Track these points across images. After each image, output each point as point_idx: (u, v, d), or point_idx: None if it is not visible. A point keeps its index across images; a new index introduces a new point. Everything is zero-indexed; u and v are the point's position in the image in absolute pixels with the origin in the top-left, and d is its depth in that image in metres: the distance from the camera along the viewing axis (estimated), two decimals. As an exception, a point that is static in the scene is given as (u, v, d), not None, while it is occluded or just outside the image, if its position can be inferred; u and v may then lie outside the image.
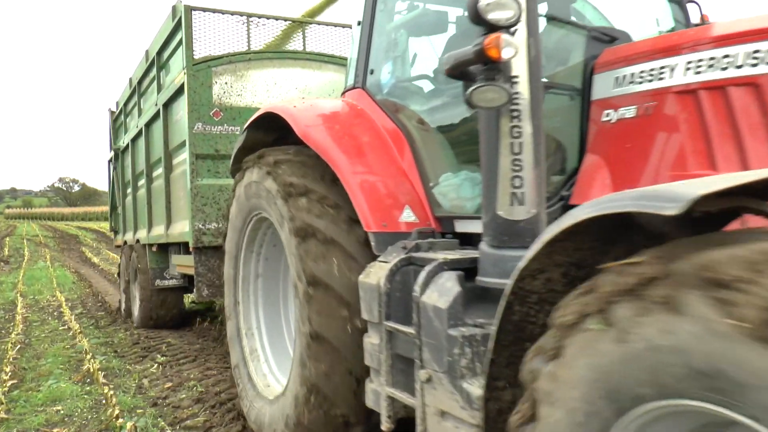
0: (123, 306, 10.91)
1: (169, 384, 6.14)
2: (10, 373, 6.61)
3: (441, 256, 3.01)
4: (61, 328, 9.68)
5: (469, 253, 3.06)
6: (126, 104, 10.73)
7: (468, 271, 2.87)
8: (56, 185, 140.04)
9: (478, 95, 2.54)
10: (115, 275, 17.35)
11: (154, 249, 8.88)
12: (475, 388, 2.58)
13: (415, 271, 3.11)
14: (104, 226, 48.39)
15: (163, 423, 5.00)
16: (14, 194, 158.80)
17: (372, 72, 4.06)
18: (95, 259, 23.60)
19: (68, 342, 8.49)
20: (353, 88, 4.19)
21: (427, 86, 3.95)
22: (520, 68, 2.66)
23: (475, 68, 2.74)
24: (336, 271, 3.47)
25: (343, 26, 7.36)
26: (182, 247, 7.74)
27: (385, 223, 3.45)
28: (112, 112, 12.12)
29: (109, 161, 12.50)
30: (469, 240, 3.45)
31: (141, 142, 9.25)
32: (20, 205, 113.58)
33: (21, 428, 5.05)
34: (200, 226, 6.52)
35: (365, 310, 3.24)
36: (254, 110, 6.49)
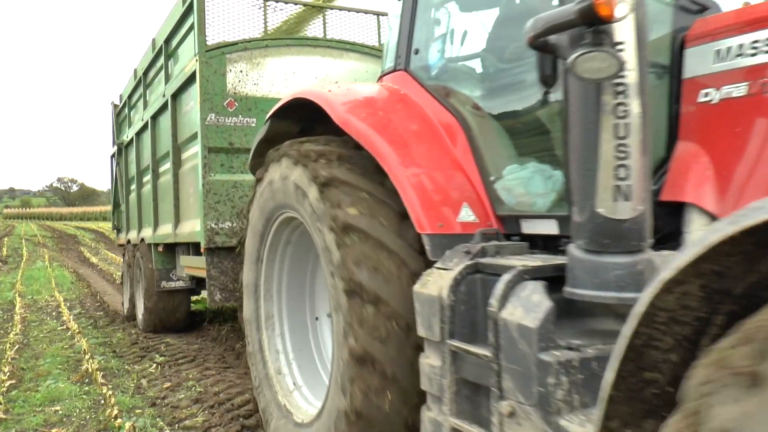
0: (126, 308, 10.31)
1: (168, 384, 6.02)
2: (8, 374, 6.46)
3: (517, 262, 2.47)
4: (59, 328, 9.47)
5: (551, 259, 2.53)
6: (130, 97, 10.10)
7: (549, 280, 2.34)
8: (55, 185, 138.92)
9: (582, 64, 2.01)
10: (114, 275, 17.25)
11: (160, 249, 8.26)
12: (576, 426, 2.06)
13: (482, 280, 2.58)
14: (103, 225, 48.16)
15: (161, 423, 4.89)
16: (12, 194, 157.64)
17: (417, 52, 3.51)
18: (94, 259, 23.23)
19: (67, 342, 8.33)
20: (394, 70, 3.63)
21: (481, 67, 3.37)
22: (626, 33, 2.13)
23: (558, 38, 2.22)
24: (387, 408, 2.89)
25: (366, 12, 6.79)
26: (191, 248, 7.16)
27: (441, 224, 2.90)
28: (115, 106, 11.48)
29: (112, 156, 11.79)
30: (533, 242, 2.92)
31: (146, 136, 8.62)
32: (19, 205, 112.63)
33: (19, 428, 4.94)
34: (213, 225, 5.90)
35: (422, 326, 2.69)
36: (271, 101, 5.93)
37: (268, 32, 6.34)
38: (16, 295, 13.62)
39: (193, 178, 6.36)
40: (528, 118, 2.91)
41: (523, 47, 2.90)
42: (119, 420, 4.86)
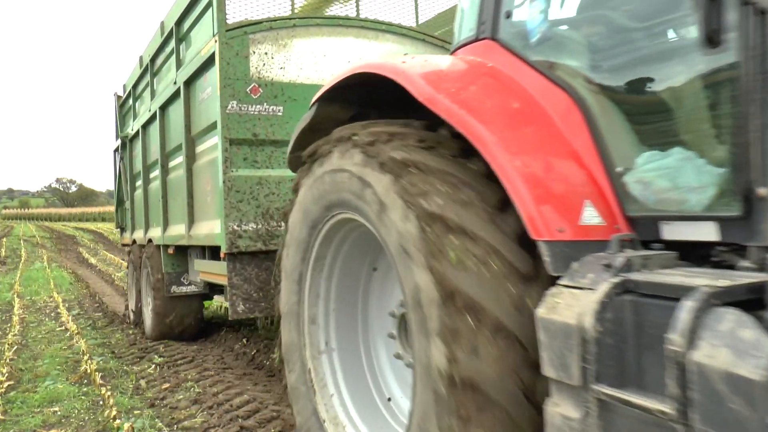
0: (132, 314, 9.37)
1: (167, 385, 5.85)
2: (7, 374, 6.29)
3: (691, 280, 1.74)
4: (58, 329, 9.20)
5: (737, 276, 1.80)
6: (135, 86, 9.11)
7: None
8: (53, 186, 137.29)
9: None
10: (113, 276, 16.62)
11: (170, 251, 7.34)
12: None
13: (634, 303, 1.86)
14: (101, 226, 47.65)
15: (160, 424, 4.77)
16: (11, 195, 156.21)
17: (509, 15, 2.74)
18: (92, 260, 22.49)
19: (65, 343, 8.10)
20: (476, 40, 2.86)
21: (601, 30, 2.56)
22: None
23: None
24: None
25: None
26: (208, 251, 6.28)
27: (562, 228, 2.16)
28: (119, 97, 10.43)
29: (115, 151, 10.71)
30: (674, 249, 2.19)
31: (154, 128, 7.66)
32: (17, 206, 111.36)
33: (18, 429, 4.83)
34: (235, 227, 4.99)
35: (551, 365, 1.96)
36: (300, 87, 5.17)
37: (296, 10, 5.52)
38: (15, 295, 13.16)
39: (211, 173, 5.53)
40: (672, 92, 2.17)
41: None
42: (118, 421, 4.71)
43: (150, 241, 8.00)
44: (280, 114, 5.16)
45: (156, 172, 7.75)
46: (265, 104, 5.10)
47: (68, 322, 9.43)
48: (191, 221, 6.17)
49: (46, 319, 10.19)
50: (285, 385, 3.39)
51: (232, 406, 5.01)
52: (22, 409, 5.29)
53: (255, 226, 5.04)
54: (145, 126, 8.29)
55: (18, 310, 11.02)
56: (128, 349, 7.60)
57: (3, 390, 5.78)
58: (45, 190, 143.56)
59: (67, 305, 11.66)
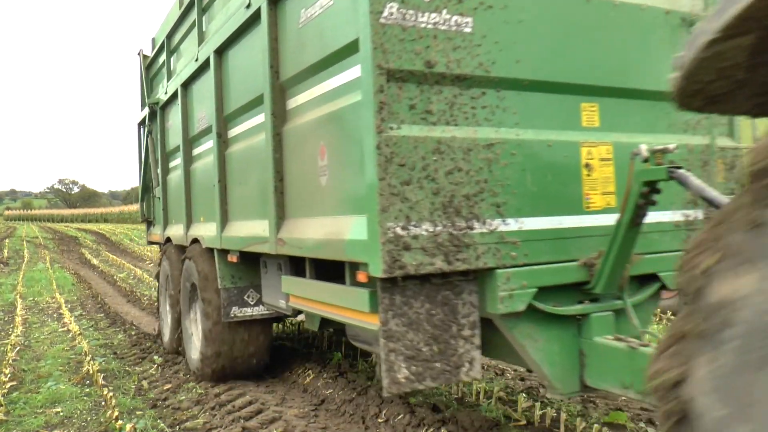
0: (167, 338, 6.96)
1: (169, 385, 5.78)
2: (9, 375, 6.25)
3: None
4: (60, 330, 9.08)
5: None
6: (170, 36, 6.79)
7: None
8: (56, 187, 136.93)
9: None
10: (115, 277, 16.11)
11: (231, 258, 5.11)
12: None
13: None
14: (104, 227, 47.53)
15: (162, 424, 4.71)
16: (14, 196, 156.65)
17: None
18: (95, 261, 21.87)
19: (68, 344, 7.99)
20: None
21: None
22: None
23: None
24: None
25: None
26: (309, 264, 3.91)
27: None
28: (145, 57, 8.07)
29: (140, 123, 8.38)
30: None
31: (204, 84, 5.43)
32: (20, 207, 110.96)
33: (21, 430, 4.79)
34: (399, 230, 2.76)
35: None
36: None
37: None
38: (18, 296, 12.98)
39: (326, 138, 3.39)
40: None
41: None
42: (120, 422, 4.66)
43: (196, 241, 5.78)
44: (468, 31, 3.00)
45: (206, 145, 5.62)
46: (444, 12, 2.94)
47: (70, 323, 9.24)
48: (279, 217, 3.97)
49: (49, 320, 9.99)
50: None
51: (234, 407, 4.84)
52: (24, 409, 5.23)
53: (432, 229, 2.85)
54: (188, 84, 6.04)
55: (21, 310, 10.82)
56: (130, 350, 7.42)
57: (6, 390, 5.71)
58: (47, 191, 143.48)
59: (69, 306, 11.42)
